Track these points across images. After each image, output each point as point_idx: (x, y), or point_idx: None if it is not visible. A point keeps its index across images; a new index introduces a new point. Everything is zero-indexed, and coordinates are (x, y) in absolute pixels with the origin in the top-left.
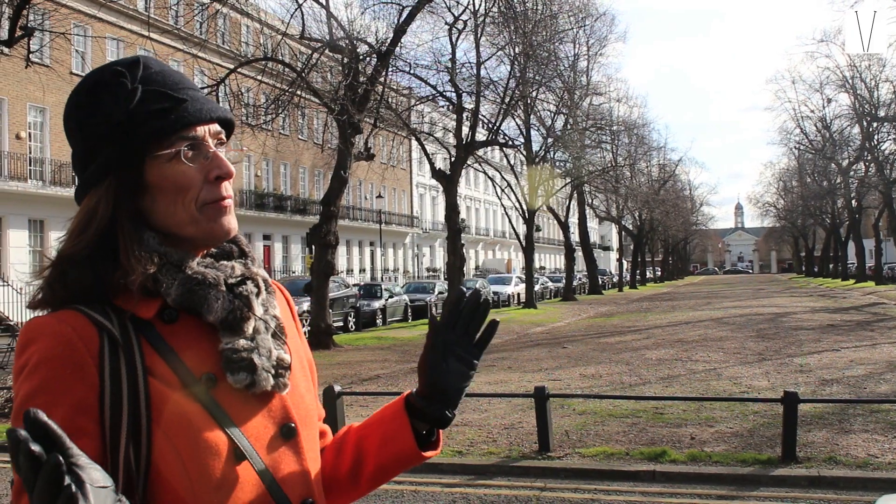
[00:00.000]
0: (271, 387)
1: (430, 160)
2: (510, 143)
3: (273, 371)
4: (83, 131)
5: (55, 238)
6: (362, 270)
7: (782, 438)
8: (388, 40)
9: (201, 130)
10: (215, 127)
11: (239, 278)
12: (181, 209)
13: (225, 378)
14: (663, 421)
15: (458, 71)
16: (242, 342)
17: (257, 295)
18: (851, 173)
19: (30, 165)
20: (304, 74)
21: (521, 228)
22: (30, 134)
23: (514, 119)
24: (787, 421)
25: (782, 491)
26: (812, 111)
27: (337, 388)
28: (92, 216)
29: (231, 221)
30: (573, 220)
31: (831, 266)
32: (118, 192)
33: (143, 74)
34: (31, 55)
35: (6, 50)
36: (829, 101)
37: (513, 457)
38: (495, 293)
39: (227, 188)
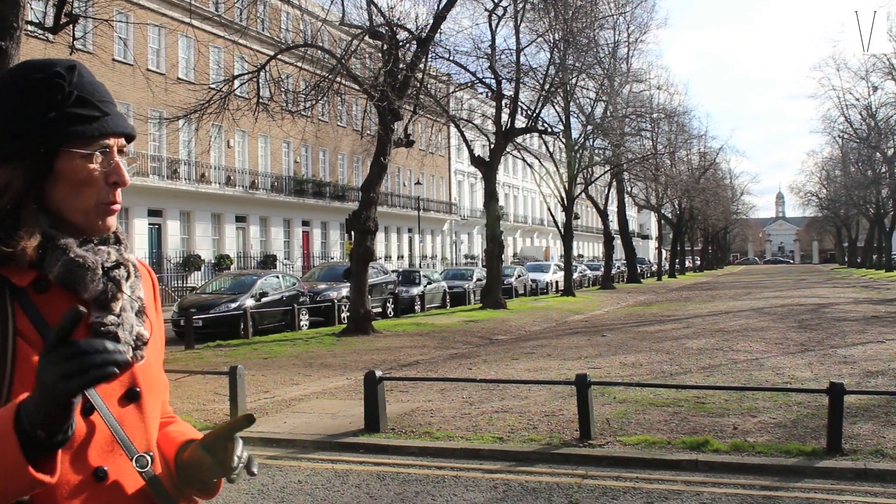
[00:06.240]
0: (130, 358)
1: (468, 147)
2: (549, 130)
3: (133, 344)
4: (15, 112)
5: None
6: (401, 257)
7: (827, 430)
8: (428, 26)
9: (113, 141)
10: (122, 141)
11: (113, 263)
12: (79, 200)
13: None
14: (705, 410)
15: (497, 57)
16: (111, 318)
17: (127, 279)
18: None
19: None
20: (343, 61)
21: (560, 216)
22: None
23: (554, 106)
24: (833, 412)
25: (828, 483)
26: (857, 99)
27: (378, 374)
28: (7, 187)
29: (113, 222)
30: (612, 208)
31: (875, 257)
32: (31, 172)
33: (78, 81)
34: (75, 42)
35: (51, 37)
36: (875, 88)
37: (553, 444)
38: (534, 280)
39: (119, 194)
